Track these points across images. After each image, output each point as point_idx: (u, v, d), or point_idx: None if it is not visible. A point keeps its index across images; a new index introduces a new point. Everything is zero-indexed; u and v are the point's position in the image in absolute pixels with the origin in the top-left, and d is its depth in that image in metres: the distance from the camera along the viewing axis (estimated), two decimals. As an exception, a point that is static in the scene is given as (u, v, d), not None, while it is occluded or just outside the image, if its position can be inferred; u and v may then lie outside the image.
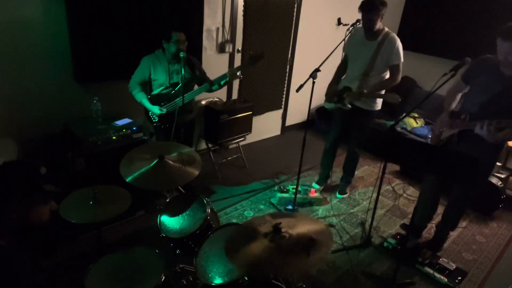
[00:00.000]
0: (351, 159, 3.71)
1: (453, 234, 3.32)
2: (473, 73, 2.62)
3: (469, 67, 2.64)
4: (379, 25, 3.05)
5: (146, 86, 3.03)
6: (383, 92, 3.16)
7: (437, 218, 3.51)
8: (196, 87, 3.16)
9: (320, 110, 5.13)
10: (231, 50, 4.04)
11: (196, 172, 2.16)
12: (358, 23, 3.02)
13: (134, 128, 2.94)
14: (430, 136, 4.39)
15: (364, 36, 3.16)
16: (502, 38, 2.29)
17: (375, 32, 3.08)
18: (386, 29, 3.13)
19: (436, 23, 4.78)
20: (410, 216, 3.30)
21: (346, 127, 3.51)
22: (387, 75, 3.20)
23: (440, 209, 3.30)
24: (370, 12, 2.94)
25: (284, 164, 4.30)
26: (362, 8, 2.99)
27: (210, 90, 3.13)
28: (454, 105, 2.75)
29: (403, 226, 3.37)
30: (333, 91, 3.33)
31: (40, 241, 1.39)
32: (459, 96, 2.78)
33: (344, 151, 3.83)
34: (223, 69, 3.10)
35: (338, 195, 3.79)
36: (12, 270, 1.17)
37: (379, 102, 3.29)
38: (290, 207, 3.42)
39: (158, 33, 2.92)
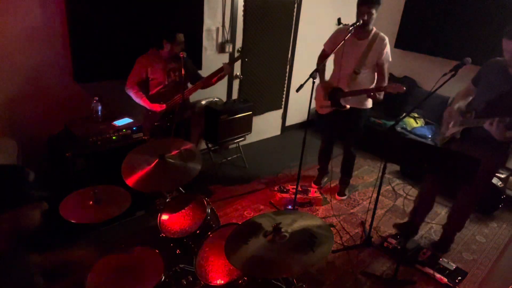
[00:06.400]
0: (348, 159, 3.71)
1: (453, 234, 3.32)
2: (482, 74, 2.68)
3: (479, 71, 2.70)
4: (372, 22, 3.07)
5: (144, 85, 3.03)
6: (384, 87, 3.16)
7: (437, 218, 3.52)
8: (189, 85, 3.24)
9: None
10: (231, 50, 4.04)
11: (198, 168, 2.14)
12: (358, 23, 3.02)
13: (134, 128, 2.93)
14: (429, 136, 4.41)
15: (354, 36, 3.16)
16: (508, 37, 2.34)
17: (366, 30, 3.10)
18: (375, 28, 3.16)
19: (436, 23, 4.76)
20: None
21: (339, 125, 3.54)
22: (375, 73, 3.24)
23: (444, 210, 3.30)
24: (371, 5, 2.96)
25: (284, 164, 4.30)
26: (364, 0, 2.99)
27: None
28: (462, 104, 2.78)
29: (395, 225, 3.37)
30: (325, 92, 3.34)
31: (37, 241, 1.36)
32: (469, 98, 2.81)
33: (342, 152, 3.81)
34: (223, 69, 3.12)
35: (337, 196, 3.78)
36: (6, 275, 1.15)
37: (370, 100, 3.31)
38: (290, 207, 3.42)
39: (158, 33, 2.92)
